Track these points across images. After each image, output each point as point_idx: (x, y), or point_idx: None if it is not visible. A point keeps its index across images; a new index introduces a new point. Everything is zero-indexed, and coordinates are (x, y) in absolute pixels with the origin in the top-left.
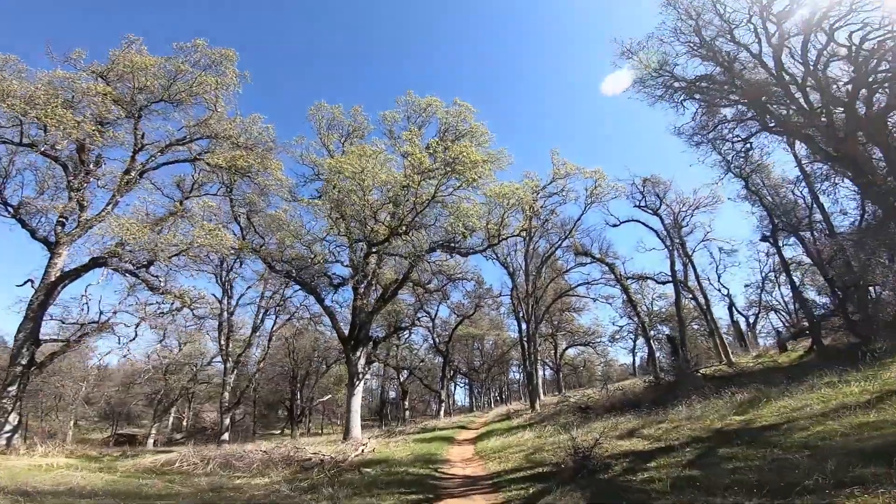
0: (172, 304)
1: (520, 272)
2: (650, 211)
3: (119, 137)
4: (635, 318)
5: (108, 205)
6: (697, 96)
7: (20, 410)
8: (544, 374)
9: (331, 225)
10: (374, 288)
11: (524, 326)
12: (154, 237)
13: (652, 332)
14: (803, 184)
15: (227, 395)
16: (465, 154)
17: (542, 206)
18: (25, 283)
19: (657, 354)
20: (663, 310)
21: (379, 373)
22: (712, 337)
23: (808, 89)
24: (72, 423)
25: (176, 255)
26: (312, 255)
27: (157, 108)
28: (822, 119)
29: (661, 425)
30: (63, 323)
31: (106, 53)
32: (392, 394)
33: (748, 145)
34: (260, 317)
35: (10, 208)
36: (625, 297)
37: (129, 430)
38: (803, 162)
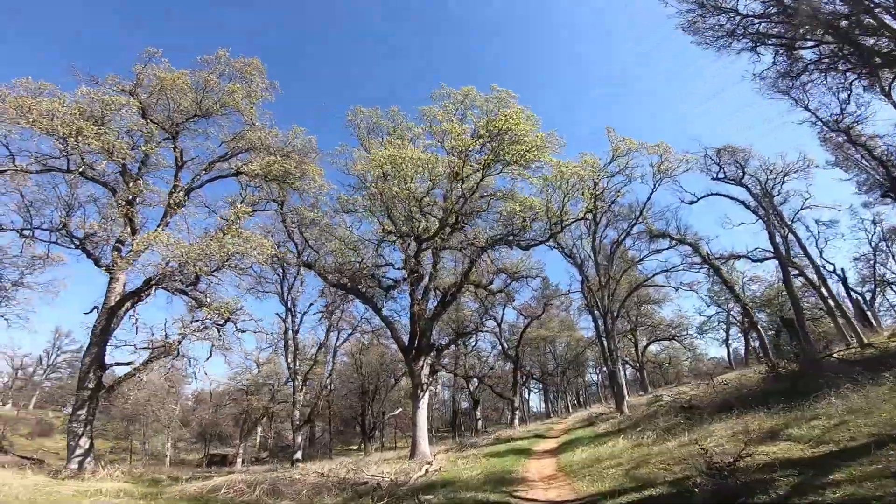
0: (213, 318)
1: (589, 262)
2: (732, 181)
3: (158, 158)
4: (729, 305)
5: (158, 226)
6: (772, 41)
7: (91, 434)
8: (625, 374)
9: (374, 222)
10: (432, 293)
11: (600, 322)
12: (188, 249)
13: (748, 321)
14: None
15: (297, 413)
16: (512, 123)
17: (604, 188)
18: (92, 310)
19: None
20: (757, 294)
21: (449, 383)
22: (831, 317)
23: None
24: (169, 444)
25: (217, 269)
26: (360, 260)
27: (194, 126)
28: None
29: (813, 423)
30: (135, 348)
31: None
32: (464, 404)
33: (846, 91)
34: (325, 333)
35: (75, 240)
36: (716, 279)
37: (222, 451)
38: None
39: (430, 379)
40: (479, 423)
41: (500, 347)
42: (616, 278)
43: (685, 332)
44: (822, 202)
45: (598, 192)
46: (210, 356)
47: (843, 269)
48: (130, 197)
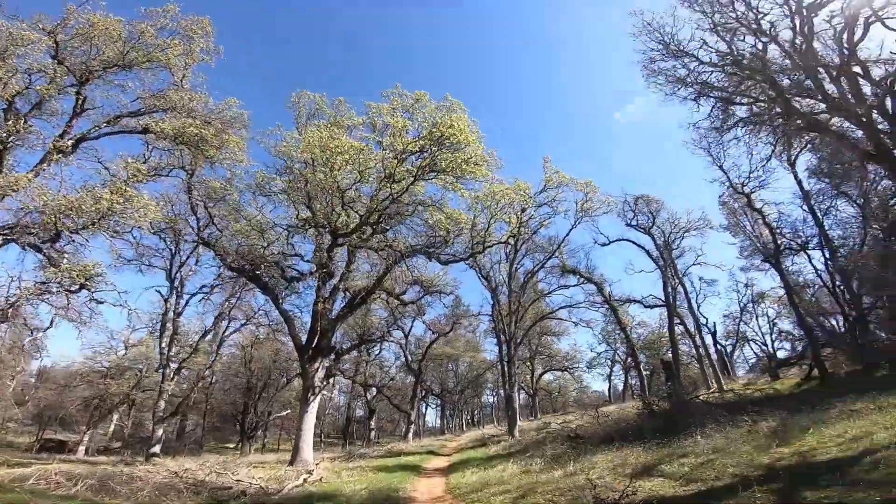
0: (62, 282)
1: (503, 288)
2: (642, 230)
3: (56, 105)
4: (617, 344)
5: (30, 171)
6: (714, 93)
7: None
8: (519, 399)
9: (290, 208)
10: (341, 293)
11: (504, 347)
12: (55, 198)
13: (633, 360)
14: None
15: (162, 403)
16: (457, 130)
17: (530, 217)
18: None
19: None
20: (642, 337)
21: (346, 389)
22: (700, 363)
23: (842, 79)
24: None
25: (86, 227)
26: (266, 245)
27: (111, 77)
28: (860, 112)
29: (683, 460)
30: None
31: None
32: (360, 412)
33: (759, 158)
34: (213, 320)
35: None
36: (612, 319)
37: (61, 436)
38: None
39: (325, 383)
40: (373, 433)
41: (403, 359)
42: (525, 307)
43: (576, 365)
44: (711, 261)
45: (523, 220)
46: (50, 325)
47: (714, 323)
48: (4, 135)
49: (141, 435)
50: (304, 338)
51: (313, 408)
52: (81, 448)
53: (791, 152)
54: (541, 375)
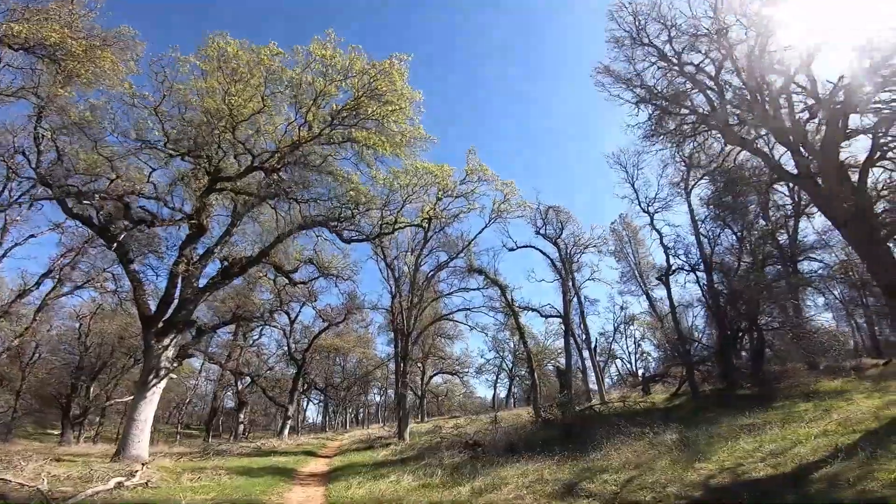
0: None
1: (405, 280)
2: (550, 239)
3: None
4: (505, 353)
5: None
6: (655, 102)
7: None
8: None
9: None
10: (215, 260)
11: (400, 343)
12: None
13: (529, 367)
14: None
15: None
16: (391, 79)
17: (445, 209)
18: None
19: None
20: (530, 346)
21: (214, 376)
22: (584, 375)
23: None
24: None
25: None
26: (115, 177)
27: None
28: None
29: (605, 476)
30: None
31: None
32: (230, 403)
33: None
34: (35, 281)
35: None
36: (507, 325)
37: None
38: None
39: (174, 365)
40: (242, 427)
41: (286, 348)
42: (426, 303)
43: (466, 370)
44: (603, 277)
45: (438, 209)
46: None
47: (595, 339)
48: None
49: None
50: (153, 306)
51: (154, 393)
52: None
53: (689, 182)
54: (431, 377)
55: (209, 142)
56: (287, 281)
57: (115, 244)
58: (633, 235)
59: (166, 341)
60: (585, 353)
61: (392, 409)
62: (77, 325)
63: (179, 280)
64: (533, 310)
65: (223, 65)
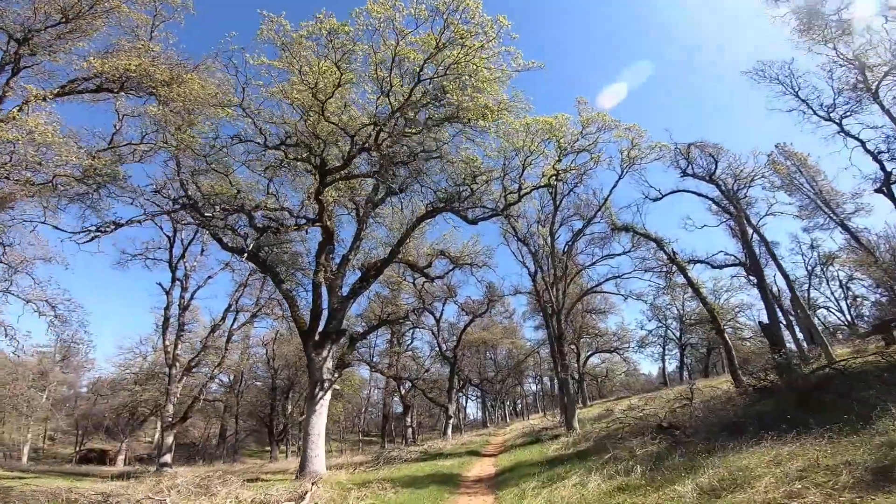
0: None
1: (543, 255)
2: (703, 178)
3: None
4: (668, 321)
5: None
6: None
7: None
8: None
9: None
10: (351, 268)
11: (553, 321)
12: None
13: (690, 337)
14: None
15: (171, 408)
16: (464, 14)
17: (568, 167)
18: None
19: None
20: (696, 311)
21: (381, 384)
22: (791, 331)
23: None
24: (34, 435)
25: None
26: (237, 192)
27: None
28: None
29: None
30: None
31: None
32: (399, 408)
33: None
34: (223, 314)
35: None
36: (665, 290)
37: (105, 445)
38: None
39: (336, 375)
40: (410, 430)
41: (437, 347)
42: (571, 274)
43: (626, 346)
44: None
45: (560, 169)
46: None
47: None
48: None
49: (183, 441)
50: (308, 320)
51: (322, 406)
52: (121, 457)
53: (870, 82)
54: (587, 358)
55: (307, 134)
56: (424, 279)
57: (265, 267)
58: (803, 163)
59: (324, 353)
60: (799, 303)
61: (551, 396)
62: (264, 350)
63: (324, 290)
64: (701, 261)
65: (293, 52)
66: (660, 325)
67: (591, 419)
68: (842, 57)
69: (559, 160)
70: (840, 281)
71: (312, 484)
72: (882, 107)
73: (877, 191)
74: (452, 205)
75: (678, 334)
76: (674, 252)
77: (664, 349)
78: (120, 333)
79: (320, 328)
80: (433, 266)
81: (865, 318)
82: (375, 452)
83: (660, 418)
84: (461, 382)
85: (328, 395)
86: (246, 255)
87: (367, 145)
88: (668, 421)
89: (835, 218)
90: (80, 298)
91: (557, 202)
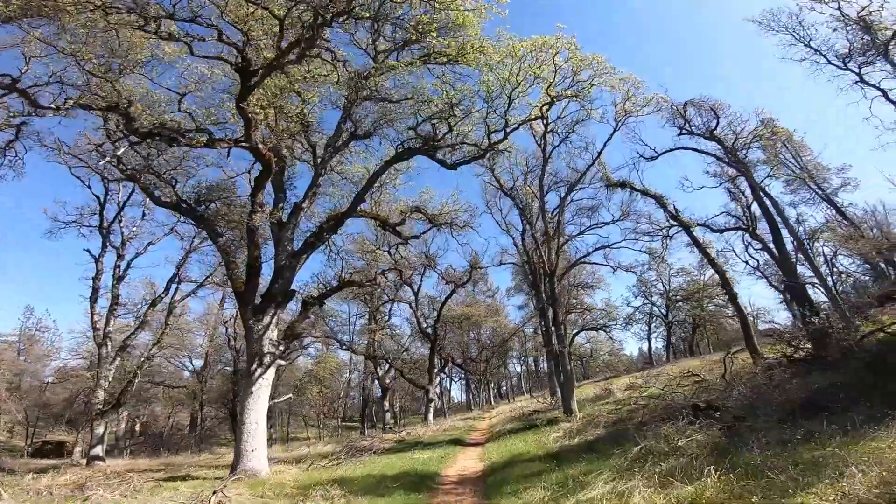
0: None
1: (534, 213)
2: (702, 135)
3: None
4: (653, 297)
5: None
6: None
7: None
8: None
9: None
10: (302, 214)
11: (545, 286)
12: None
13: (678, 314)
14: None
15: (101, 393)
16: None
17: (558, 118)
18: None
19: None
20: (685, 286)
21: (360, 367)
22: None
23: None
24: None
25: None
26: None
27: None
28: None
29: None
30: None
31: None
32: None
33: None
34: (168, 286)
35: None
36: (654, 260)
37: (62, 437)
38: None
39: (280, 349)
40: (390, 415)
41: (416, 325)
42: (562, 234)
43: (612, 323)
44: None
45: (554, 95)
46: None
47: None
48: None
49: (154, 431)
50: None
51: (262, 388)
52: (78, 449)
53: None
54: (573, 337)
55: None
56: (397, 238)
57: (199, 219)
58: (788, 138)
59: (266, 319)
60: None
61: (536, 377)
62: (224, 330)
63: (276, 248)
64: (700, 224)
65: None
66: (646, 301)
67: (588, 400)
68: (846, 18)
69: (552, 84)
70: (825, 257)
71: (215, 493)
72: (893, 64)
73: None
74: (428, 145)
75: (664, 311)
76: (676, 210)
77: (650, 327)
78: (72, 316)
79: (262, 289)
80: (405, 222)
81: (849, 294)
82: (347, 441)
83: (685, 397)
84: (443, 362)
85: (270, 373)
86: (173, 198)
87: (305, 37)
88: (704, 400)
89: (820, 193)
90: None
91: (547, 154)
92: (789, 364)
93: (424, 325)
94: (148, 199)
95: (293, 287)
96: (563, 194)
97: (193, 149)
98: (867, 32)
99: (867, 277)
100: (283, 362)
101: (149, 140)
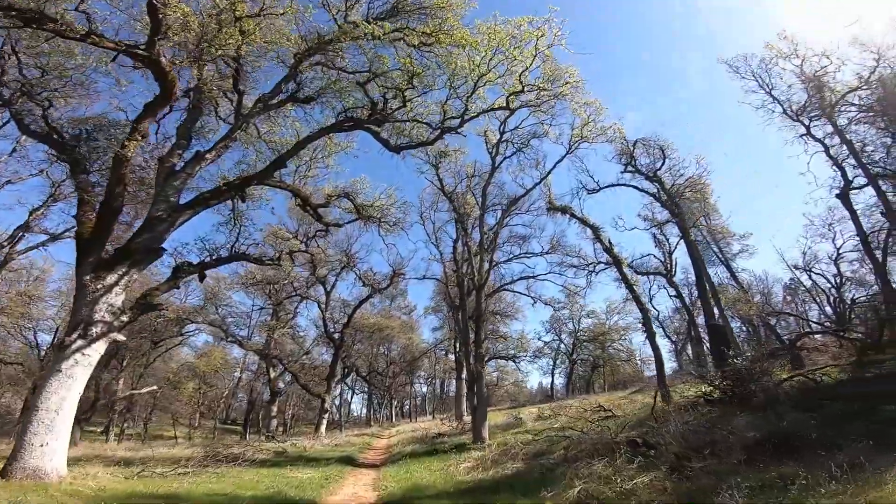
0: None
1: (470, 218)
2: (645, 175)
3: None
4: (562, 334)
5: None
6: None
7: None
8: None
9: None
10: (205, 164)
11: (472, 298)
12: None
13: (581, 353)
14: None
15: None
16: None
17: (516, 128)
18: None
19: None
20: (592, 327)
21: (250, 367)
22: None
23: None
24: None
25: None
26: None
27: None
28: None
29: None
30: None
31: None
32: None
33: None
34: (14, 235)
35: None
36: (618, 276)
37: None
38: None
39: (123, 320)
40: (275, 422)
41: (322, 327)
42: (497, 248)
43: (523, 354)
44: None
45: (526, 84)
46: None
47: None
48: None
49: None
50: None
51: (79, 366)
52: None
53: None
54: (486, 362)
55: None
56: (319, 225)
57: (62, 147)
58: (704, 199)
59: (111, 278)
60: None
61: (441, 400)
62: None
63: (156, 197)
64: (629, 265)
65: None
66: (555, 338)
67: (498, 427)
68: (804, 75)
69: (527, 70)
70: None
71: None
72: (834, 126)
73: (838, 196)
74: (376, 115)
75: (570, 349)
76: (610, 243)
77: (555, 362)
78: None
79: (116, 241)
80: (328, 205)
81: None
82: (212, 447)
83: (614, 431)
84: (346, 370)
85: (96, 350)
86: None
87: None
88: (639, 436)
89: (720, 256)
90: None
91: (496, 163)
92: (707, 404)
93: (332, 329)
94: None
95: (166, 247)
96: (504, 207)
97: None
98: (819, 91)
99: (741, 337)
100: (121, 338)
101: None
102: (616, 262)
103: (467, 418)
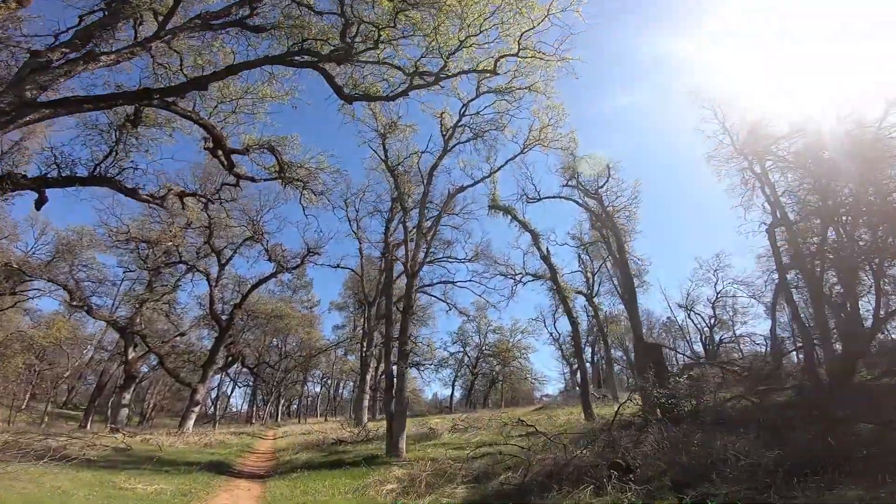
0: None
1: (411, 200)
2: (587, 191)
3: None
4: (467, 347)
5: None
6: None
7: None
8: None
9: None
10: (89, 68)
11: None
12: None
13: (483, 367)
14: None
15: None
16: None
17: (477, 113)
18: None
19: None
20: (497, 342)
21: (108, 346)
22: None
23: None
24: None
25: None
26: None
27: None
28: None
29: None
30: None
31: None
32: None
33: None
34: None
35: None
36: (552, 286)
37: None
38: None
39: None
40: (126, 411)
41: (208, 305)
42: (437, 235)
43: (428, 363)
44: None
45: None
46: None
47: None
48: None
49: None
50: None
51: None
52: None
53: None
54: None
55: None
56: (230, 177)
57: None
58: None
59: None
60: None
61: (336, 403)
62: None
63: None
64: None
65: None
66: (461, 350)
67: (411, 438)
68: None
69: (531, 30)
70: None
71: None
72: (762, 168)
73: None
74: (340, 52)
75: (473, 362)
76: (548, 251)
77: (457, 374)
78: None
79: None
80: (249, 153)
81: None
82: (24, 433)
83: (589, 451)
84: (230, 358)
85: None
86: None
87: None
88: (621, 458)
89: (618, 291)
90: None
91: (449, 146)
92: (646, 423)
93: (219, 310)
94: None
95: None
96: (451, 192)
97: None
98: (754, 134)
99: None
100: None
101: None
102: (552, 271)
103: (370, 425)
